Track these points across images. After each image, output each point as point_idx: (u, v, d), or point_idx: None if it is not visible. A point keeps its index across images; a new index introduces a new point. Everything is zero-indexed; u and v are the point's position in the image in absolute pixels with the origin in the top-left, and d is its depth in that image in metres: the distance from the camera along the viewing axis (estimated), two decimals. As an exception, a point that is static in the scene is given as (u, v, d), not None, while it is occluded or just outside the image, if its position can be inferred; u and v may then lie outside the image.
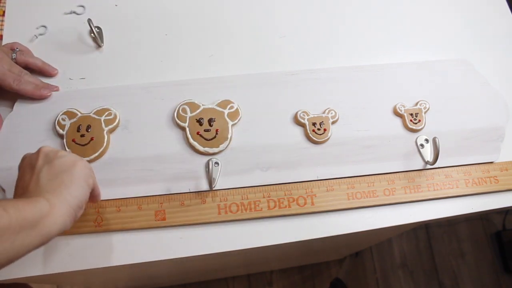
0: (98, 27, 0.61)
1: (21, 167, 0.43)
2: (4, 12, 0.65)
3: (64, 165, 0.41)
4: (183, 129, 0.54)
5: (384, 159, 0.55)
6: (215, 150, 0.53)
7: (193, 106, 0.54)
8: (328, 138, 0.55)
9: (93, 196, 0.46)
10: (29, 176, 0.41)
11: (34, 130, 0.53)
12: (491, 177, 0.55)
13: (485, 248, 1.39)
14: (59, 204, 0.38)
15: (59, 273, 0.47)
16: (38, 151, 0.43)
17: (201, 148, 0.52)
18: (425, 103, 0.57)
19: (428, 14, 0.67)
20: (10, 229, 0.33)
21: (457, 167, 0.55)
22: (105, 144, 0.52)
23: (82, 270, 0.48)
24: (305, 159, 0.54)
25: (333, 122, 0.56)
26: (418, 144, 0.56)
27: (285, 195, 0.52)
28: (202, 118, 0.54)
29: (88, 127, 0.52)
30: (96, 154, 0.51)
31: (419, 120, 0.56)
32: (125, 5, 0.64)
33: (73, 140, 0.52)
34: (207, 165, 0.51)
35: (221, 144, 0.53)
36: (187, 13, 0.64)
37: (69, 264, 0.48)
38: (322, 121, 0.55)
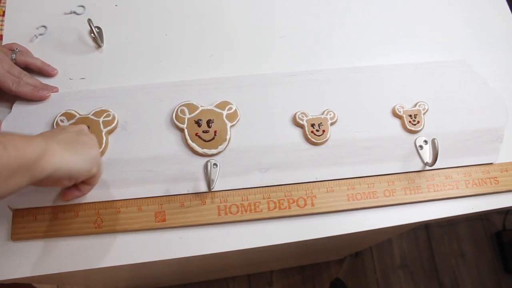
0: (98, 27, 0.61)
1: None
2: (4, 12, 0.64)
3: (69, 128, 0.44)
4: (181, 130, 0.54)
5: (383, 160, 0.54)
6: (214, 151, 0.53)
7: (191, 107, 0.54)
8: (327, 139, 0.55)
9: (91, 179, 0.46)
10: None
11: (32, 132, 0.53)
12: (491, 178, 0.55)
13: (485, 248, 1.39)
14: (53, 144, 0.38)
15: (59, 273, 0.47)
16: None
17: (199, 150, 0.52)
18: (424, 104, 0.57)
19: (427, 15, 0.67)
20: (8, 168, 0.33)
21: (457, 168, 0.55)
22: (103, 146, 0.52)
23: (82, 270, 0.48)
24: (304, 160, 0.54)
25: (332, 123, 0.55)
26: (417, 145, 0.56)
27: (285, 196, 0.52)
28: (200, 120, 0.54)
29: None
30: (96, 155, 0.51)
31: (418, 121, 0.56)
32: (125, 5, 0.64)
33: (72, 141, 0.51)
34: (205, 166, 0.51)
35: (219, 145, 0.53)
36: (187, 13, 0.64)
37: (69, 264, 0.48)
38: (321, 122, 0.55)
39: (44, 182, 0.38)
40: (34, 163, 0.35)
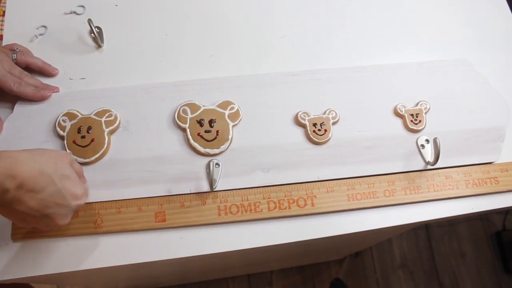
0: (98, 27, 0.61)
1: None
2: (4, 12, 0.64)
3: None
4: (183, 130, 0.54)
5: (385, 160, 0.54)
6: (216, 151, 0.53)
7: (193, 107, 0.54)
8: (329, 139, 0.55)
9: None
10: None
11: (34, 132, 0.53)
12: (491, 178, 0.55)
13: (485, 248, 1.39)
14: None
15: (59, 273, 0.47)
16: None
17: (201, 149, 0.52)
18: (425, 104, 0.57)
19: (428, 14, 0.67)
20: None
21: (457, 168, 0.55)
22: (105, 146, 0.52)
23: (82, 270, 0.48)
24: (306, 160, 0.54)
25: (333, 123, 0.55)
26: (419, 144, 0.56)
27: (285, 196, 0.52)
28: (202, 119, 0.54)
29: (89, 128, 0.52)
30: (97, 155, 0.51)
31: (420, 121, 0.56)
32: (125, 5, 0.64)
33: (73, 142, 0.51)
34: (208, 166, 0.51)
35: (221, 145, 0.53)
36: (187, 13, 0.64)
37: (69, 264, 0.48)
38: (323, 122, 0.55)
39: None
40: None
